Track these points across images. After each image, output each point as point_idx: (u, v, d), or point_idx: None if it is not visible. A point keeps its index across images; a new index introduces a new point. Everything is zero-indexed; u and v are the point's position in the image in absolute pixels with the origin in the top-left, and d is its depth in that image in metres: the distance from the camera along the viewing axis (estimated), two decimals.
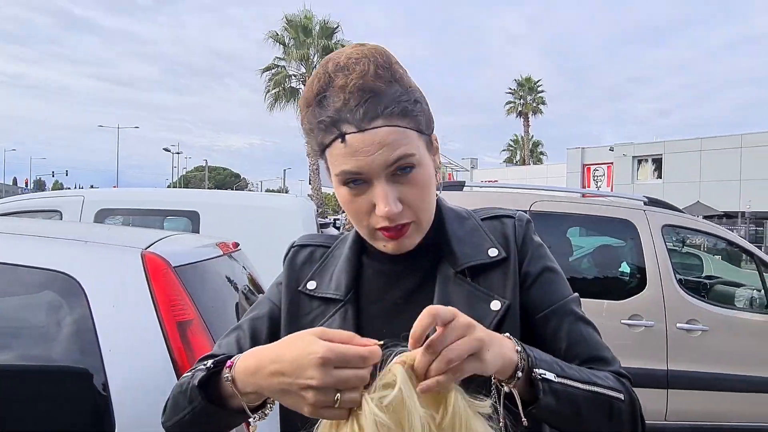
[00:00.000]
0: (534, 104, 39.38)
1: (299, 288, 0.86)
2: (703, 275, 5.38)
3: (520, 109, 39.55)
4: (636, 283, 3.99)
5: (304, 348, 0.58)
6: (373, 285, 0.84)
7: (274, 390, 0.61)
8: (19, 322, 1.55)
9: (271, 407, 0.69)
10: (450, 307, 0.61)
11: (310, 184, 26.41)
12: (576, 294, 0.85)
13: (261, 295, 0.94)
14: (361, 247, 0.87)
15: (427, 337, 0.60)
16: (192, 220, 3.76)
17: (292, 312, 0.84)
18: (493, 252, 0.82)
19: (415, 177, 0.74)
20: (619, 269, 4.28)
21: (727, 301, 4.26)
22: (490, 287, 0.80)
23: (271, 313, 0.87)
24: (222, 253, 2.02)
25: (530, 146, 41.68)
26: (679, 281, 4.00)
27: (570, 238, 4.67)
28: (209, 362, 0.71)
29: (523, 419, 0.65)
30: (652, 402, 3.75)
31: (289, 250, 0.92)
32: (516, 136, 44.19)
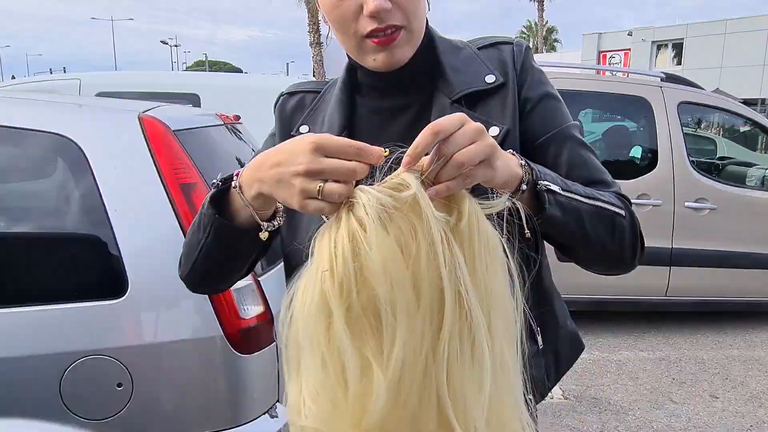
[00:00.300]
0: None
1: (292, 133, 0.85)
2: (716, 157, 5.29)
3: None
4: (647, 163, 3.94)
5: (301, 140, 0.58)
6: (367, 124, 0.82)
7: (271, 182, 0.59)
8: (19, 188, 1.54)
9: (280, 219, 0.68)
10: (457, 114, 0.58)
11: (314, 76, 25.65)
12: (577, 121, 0.83)
13: (257, 149, 0.91)
14: (352, 86, 0.84)
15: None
16: (192, 103, 3.66)
17: None
18: (490, 78, 0.78)
19: None
20: (631, 149, 4.20)
21: (738, 180, 4.22)
22: (489, 114, 0.78)
23: None
24: (222, 122, 1.96)
25: (544, 33, 39.63)
26: (692, 162, 3.94)
27: (581, 121, 4.55)
28: (217, 179, 0.70)
29: (527, 231, 0.64)
30: (654, 278, 3.84)
31: (278, 100, 0.90)
32: (529, 21, 41.93)
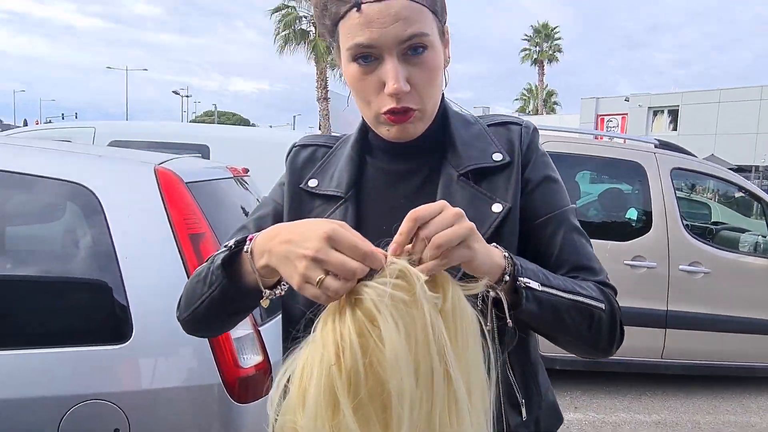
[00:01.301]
0: (550, 52, 38.30)
1: (301, 185, 0.87)
2: (710, 222, 5.38)
3: (535, 56, 38.50)
4: (642, 225, 4.02)
5: (317, 224, 0.61)
6: (375, 184, 0.85)
7: (279, 256, 0.63)
8: (36, 234, 1.62)
9: (282, 288, 0.70)
10: (439, 202, 0.62)
11: (320, 129, 26.21)
12: (574, 205, 0.88)
13: (264, 196, 0.96)
14: (363, 146, 0.88)
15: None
16: (202, 154, 3.80)
17: (294, 209, 0.86)
18: (497, 157, 0.82)
19: (426, 59, 0.74)
20: (626, 212, 4.30)
21: (731, 245, 4.29)
22: (493, 191, 0.81)
23: (275, 213, 0.89)
24: (232, 175, 2.06)
25: (544, 96, 40.80)
26: (686, 226, 4.02)
27: (578, 182, 4.67)
28: (231, 242, 0.72)
29: (509, 321, 0.68)
30: (649, 340, 3.85)
31: (290, 150, 0.93)
32: (530, 84, 43.22)
